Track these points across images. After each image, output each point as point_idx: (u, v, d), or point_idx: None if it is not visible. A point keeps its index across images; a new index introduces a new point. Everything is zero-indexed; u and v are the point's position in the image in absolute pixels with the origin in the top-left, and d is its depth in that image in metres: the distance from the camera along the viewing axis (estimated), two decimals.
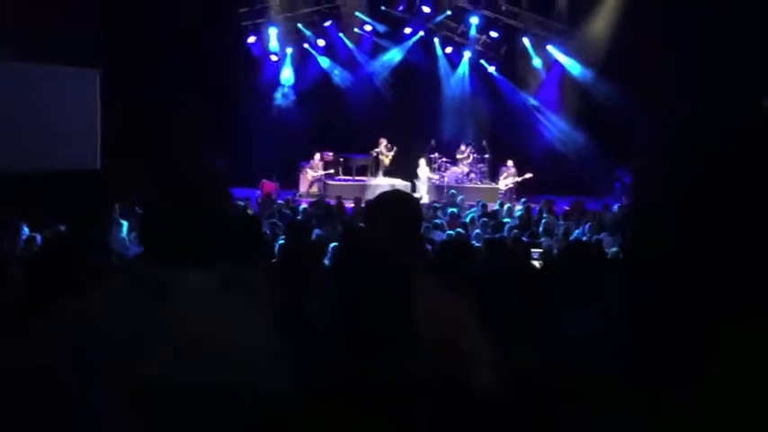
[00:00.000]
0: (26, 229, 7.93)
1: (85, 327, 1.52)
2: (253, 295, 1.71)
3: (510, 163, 17.40)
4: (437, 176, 17.67)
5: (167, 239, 1.62)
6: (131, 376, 1.48)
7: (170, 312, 1.56)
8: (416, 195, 16.31)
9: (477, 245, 8.87)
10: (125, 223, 9.38)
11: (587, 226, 11.06)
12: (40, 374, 1.25)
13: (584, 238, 10.00)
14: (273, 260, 5.06)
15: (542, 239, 9.77)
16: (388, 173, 18.17)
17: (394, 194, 2.67)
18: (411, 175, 18.02)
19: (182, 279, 1.60)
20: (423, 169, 17.46)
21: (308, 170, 17.18)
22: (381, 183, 17.44)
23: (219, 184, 1.69)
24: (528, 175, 17.14)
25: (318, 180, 17.26)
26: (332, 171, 17.59)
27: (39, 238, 7.84)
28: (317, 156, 17.25)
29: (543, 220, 10.86)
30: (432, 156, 17.73)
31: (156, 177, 1.69)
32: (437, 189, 17.29)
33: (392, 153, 17.96)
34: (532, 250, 7.61)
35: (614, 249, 8.75)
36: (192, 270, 1.61)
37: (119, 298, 1.57)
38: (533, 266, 4.17)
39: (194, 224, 1.62)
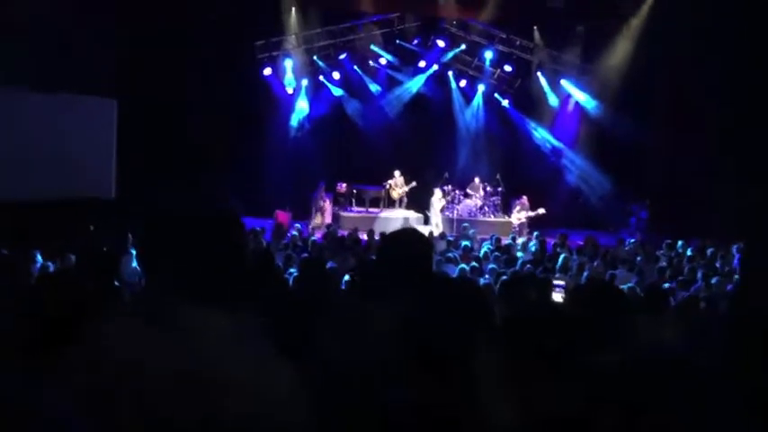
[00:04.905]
0: (39, 258, 7.92)
1: (95, 370, 1.47)
2: (265, 334, 1.66)
3: (524, 198, 17.36)
4: (448, 209, 17.62)
5: (177, 276, 1.58)
6: (141, 422, 1.43)
7: (180, 352, 1.51)
8: (429, 227, 16.28)
9: (488, 278, 8.81)
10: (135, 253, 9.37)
11: (597, 262, 10.97)
12: (45, 422, 1.20)
13: (596, 275, 9.88)
14: (286, 291, 5.01)
15: (557, 275, 9.67)
16: (401, 205, 18.19)
17: (403, 234, 2.68)
18: (424, 207, 18.03)
19: (193, 318, 1.56)
20: (437, 200, 17.43)
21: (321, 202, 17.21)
22: (393, 215, 17.48)
23: (232, 224, 1.65)
24: (541, 211, 17.08)
25: (326, 210, 17.23)
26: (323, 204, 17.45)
27: (51, 266, 7.83)
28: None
29: (561, 256, 10.77)
30: (445, 188, 17.69)
31: (163, 214, 1.64)
32: (449, 222, 17.25)
33: (405, 188, 17.95)
34: (555, 282, 7.53)
35: (630, 285, 8.65)
36: (204, 308, 1.57)
37: (128, 338, 1.52)
38: (555, 304, 4.11)
39: (206, 262, 1.58)
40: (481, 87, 19.42)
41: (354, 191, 18.07)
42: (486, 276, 9.04)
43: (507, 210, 18.05)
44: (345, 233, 13.51)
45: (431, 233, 14.10)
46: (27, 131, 12.74)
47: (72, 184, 13.23)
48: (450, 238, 13.46)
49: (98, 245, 9.74)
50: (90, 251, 8.28)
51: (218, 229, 1.62)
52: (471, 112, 19.68)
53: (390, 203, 18.23)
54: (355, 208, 18.02)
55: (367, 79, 19.11)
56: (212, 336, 1.55)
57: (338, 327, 2.46)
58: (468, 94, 19.71)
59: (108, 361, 1.49)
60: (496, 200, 18.10)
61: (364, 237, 13.09)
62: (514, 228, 16.85)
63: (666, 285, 8.87)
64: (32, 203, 11.86)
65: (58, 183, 12.95)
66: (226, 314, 1.59)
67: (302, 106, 18.71)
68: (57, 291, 2.20)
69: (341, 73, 18.73)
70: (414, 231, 2.81)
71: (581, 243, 13.26)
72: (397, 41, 18.54)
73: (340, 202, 17.99)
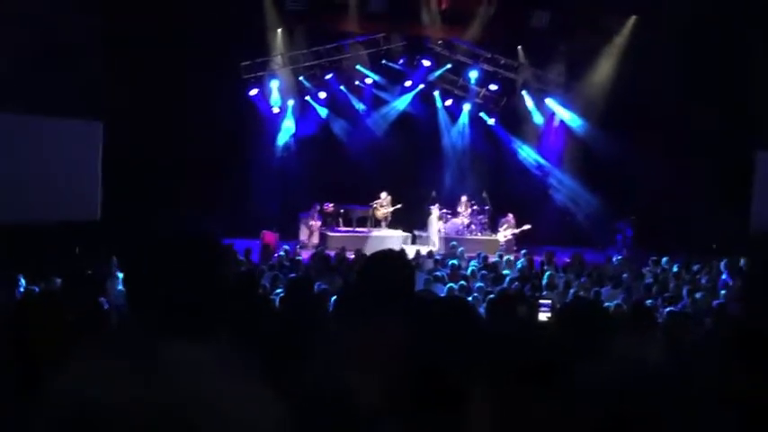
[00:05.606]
0: (23, 282, 7.84)
1: (71, 408, 1.44)
2: (251, 365, 1.64)
3: (510, 216, 17.42)
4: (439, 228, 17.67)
5: (158, 308, 1.56)
6: None
7: (161, 389, 1.49)
8: (417, 247, 16.26)
9: (476, 296, 8.83)
10: (121, 275, 9.31)
11: (583, 279, 11.00)
12: None
13: (582, 292, 9.90)
14: (271, 313, 4.97)
15: (545, 293, 9.70)
16: (389, 224, 18.22)
17: (382, 256, 2.68)
18: (411, 227, 18.05)
19: (175, 351, 1.54)
20: (435, 219, 17.51)
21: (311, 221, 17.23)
22: (389, 234, 17.52)
23: (214, 251, 1.64)
24: (526, 227, 17.13)
25: (314, 230, 17.28)
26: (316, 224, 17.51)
27: (36, 290, 7.76)
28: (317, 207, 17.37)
29: (547, 273, 10.80)
30: (431, 207, 17.72)
31: (144, 242, 1.63)
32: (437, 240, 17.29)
33: (390, 208, 18.01)
34: (540, 301, 7.54)
35: (616, 302, 8.68)
36: (186, 341, 1.54)
37: (106, 374, 1.49)
38: (540, 323, 4.11)
39: (188, 292, 1.56)
40: (467, 106, 19.51)
41: (342, 210, 18.08)
42: (475, 294, 9.06)
43: (494, 227, 18.09)
44: (333, 253, 13.51)
45: (418, 252, 14.09)
46: (12, 154, 12.67)
47: (57, 206, 13.15)
48: (438, 257, 13.48)
49: (84, 268, 9.69)
50: (75, 274, 8.23)
51: (197, 257, 1.60)
52: (457, 130, 19.75)
53: (376, 223, 18.26)
54: (342, 227, 18.02)
55: (353, 99, 19.16)
56: (195, 369, 1.52)
57: (325, 351, 2.44)
58: (453, 113, 19.78)
59: (88, 399, 1.47)
60: (483, 218, 18.13)
61: (352, 256, 13.08)
62: (501, 245, 16.88)
63: (653, 302, 8.92)
64: (17, 226, 11.78)
65: (43, 205, 12.87)
66: (208, 346, 1.57)
67: (288, 126, 18.73)
68: (41, 314, 2.18)
69: (327, 93, 18.78)
70: (396, 252, 2.81)
71: (568, 260, 13.30)
72: (383, 61, 18.62)
73: (327, 221, 17.98)
